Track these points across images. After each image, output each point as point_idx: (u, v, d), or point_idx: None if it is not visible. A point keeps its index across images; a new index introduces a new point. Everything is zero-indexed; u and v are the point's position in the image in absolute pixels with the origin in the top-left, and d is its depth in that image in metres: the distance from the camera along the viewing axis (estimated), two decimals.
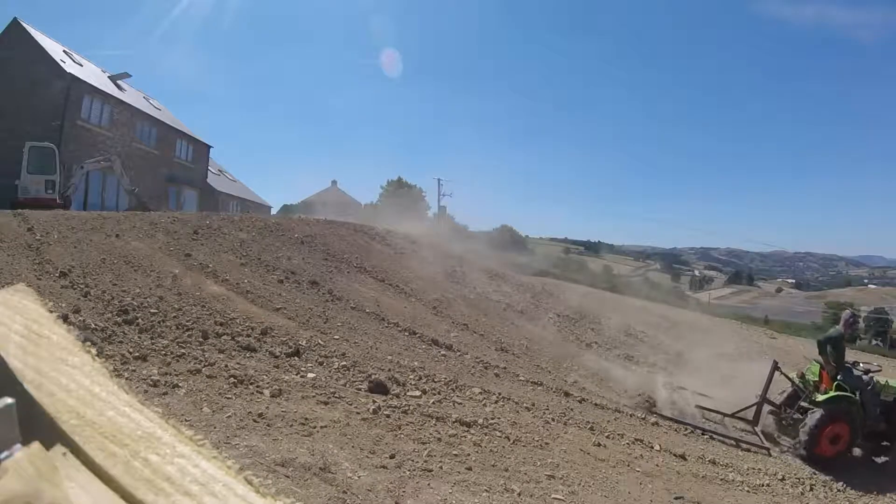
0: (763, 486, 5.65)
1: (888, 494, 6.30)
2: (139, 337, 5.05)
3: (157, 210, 15.02)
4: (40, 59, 19.42)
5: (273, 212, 35.46)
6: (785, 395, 7.67)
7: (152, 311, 5.69)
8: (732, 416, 7.74)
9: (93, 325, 4.88)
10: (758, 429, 7.46)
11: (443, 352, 7.32)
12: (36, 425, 0.45)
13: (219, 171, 33.42)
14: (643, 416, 7.02)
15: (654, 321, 16.59)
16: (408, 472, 3.71)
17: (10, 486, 0.36)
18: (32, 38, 19.90)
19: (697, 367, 10.56)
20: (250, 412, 4.04)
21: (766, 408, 7.56)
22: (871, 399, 6.73)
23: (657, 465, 5.30)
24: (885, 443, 6.94)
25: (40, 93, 18.61)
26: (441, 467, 3.92)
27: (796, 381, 7.50)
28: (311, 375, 5.21)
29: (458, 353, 7.43)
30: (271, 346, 5.65)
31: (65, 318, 4.26)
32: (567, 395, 7.03)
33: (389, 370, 5.82)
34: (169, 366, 4.60)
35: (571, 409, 6.40)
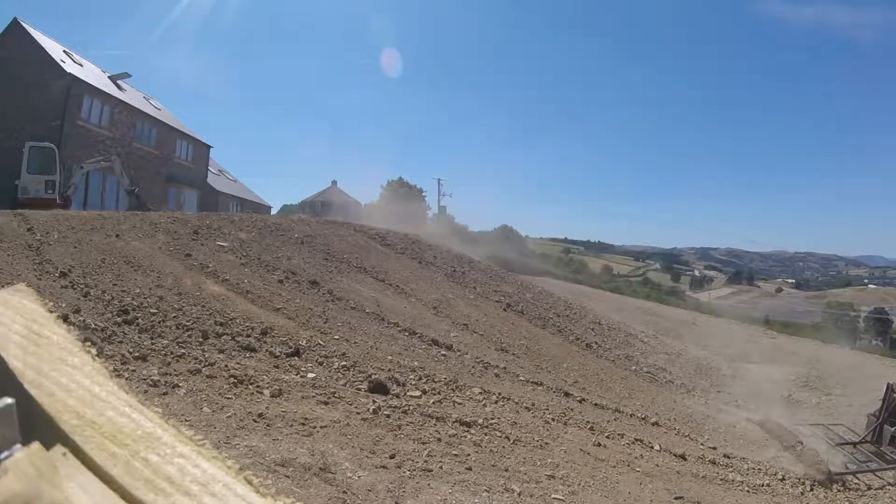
0: (763, 486, 5.65)
1: (888, 494, 6.30)
2: (139, 337, 5.05)
3: (157, 210, 15.03)
4: (40, 59, 19.42)
5: (273, 212, 35.46)
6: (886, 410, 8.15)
7: (152, 311, 5.69)
8: (861, 442, 8.14)
9: (93, 325, 4.88)
10: (884, 448, 7.87)
11: (443, 352, 7.32)
12: (36, 425, 0.45)
13: (219, 171, 33.40)
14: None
15: (654, 321, 16.59)
16: (408, 472, 3.71)
17: (10, 486, 0.36)
18: (32, 38, 19.90)
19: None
20: (250, 412, 4.04)
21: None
22: None
23: (657, 465, 5.30)
24: None
25: (40, 93, 18.61)
26: (441, 467, 3.91)
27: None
28: (311, 375, 5.20)
29: (458, 353, 7.43)
30: (271, 346, 5.65)
31: (65, 318, 4.26)
32: (567, 395, 7.03)
33: (389, 370, 5.82)
34: (169, 366, 4.60)
35: (571, 409, 6.40)
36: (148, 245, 8.04)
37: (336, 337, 6.56)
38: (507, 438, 4.86)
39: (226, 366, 4.89)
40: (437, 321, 8.98)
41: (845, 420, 9.26)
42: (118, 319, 5.27)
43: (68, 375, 0.50)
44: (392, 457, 3.88)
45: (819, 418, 9.40)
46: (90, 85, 20.57)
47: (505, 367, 7.43)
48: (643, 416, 7.12)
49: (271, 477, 3.11)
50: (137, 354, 4.65)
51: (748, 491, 5.42)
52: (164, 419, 0.49)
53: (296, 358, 5.58)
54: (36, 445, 0.41)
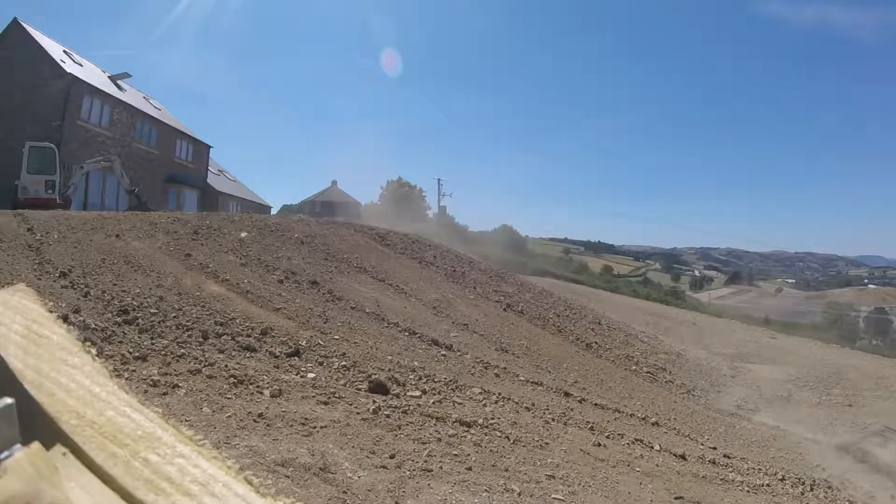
0: (763, 486, 5.65)
1: (888, 494, 6.30)
2: (139, 337, 5.05)
3: (157, 210, 15.04)
4: (40, 59, 19.43)
5: (273, 212, 35.48)
6: None
7: (152, 311, 5.69)
8: None
9: (93, 325, 4.88)
10: None
11: (443, 352, 7.32)
12: (36, 425, 0.45)
13: (219, 171, 33.42)
14: (648, 420, 7.00)
15: (654, 321, 16.59)
16: (408, 472, 3.71)
17: (10, 486, 0.36)
18: (32, 38, 19.91)
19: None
20: (250, 412, 4.04)
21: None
22: None
23: (657, 465, 5.30)
24: None
25: (40, 93, 18.63)
26: (441, 467, 3.91)
27: None
28: (311, 375, 5.20)
29: (458, 353, 7.43)
30: (271, 346, 5.65)
31: (65, 318, 4.26)
32: (567, 395, 7.03)
33: (389, 370, 5.82)
34: (169, 366, 4.60)
35: (571, 409, 6.40)
36: (148, 245, 8.04)
37: (336, 337, 6.56)
38: (507, 438, 4.86)
39: (226, 366, 4.89)
40: (437, 321, 8.98)
41: (847, 420, 9.26)
42: (118, 319, 5.27)
43: (68, 375, 0.50)
44: (392, 457, 3.88)
45: (820, 418, 9.40)
46: (90, 85, 20.59)
47: (505, 367, 7.42)
48: (643, 416, 7.12)
49: (271, 477, 3.11)
50: (137, 354, 4.65)
51: (748, 491, 5.42)
52: (164, 419, 0.49)
53: (296, 358, 5.58)
54: (36, 445, 0.41)
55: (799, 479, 6.11)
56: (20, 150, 15.06)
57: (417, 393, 5.44)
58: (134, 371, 4.30)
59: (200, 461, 0.45)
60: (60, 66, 19.55)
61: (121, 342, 4.81)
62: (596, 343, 11.21)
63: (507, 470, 4.18)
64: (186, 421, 3.58)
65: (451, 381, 6.06)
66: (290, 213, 33.16)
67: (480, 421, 5.03)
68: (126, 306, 5.57)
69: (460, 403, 5.52)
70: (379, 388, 5.22)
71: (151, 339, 5.10)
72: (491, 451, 4.52)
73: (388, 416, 4.64)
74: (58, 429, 0.45)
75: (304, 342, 5.96)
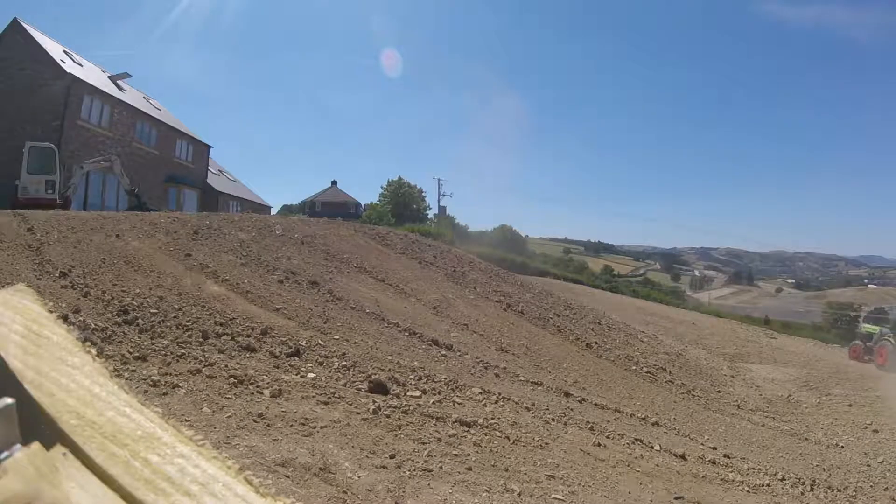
0: (763, 486, 5.65)
1: (888, 494, 6.30)
2: (139, 337, 5.05)
3: (157, 210, 15.05)
4: (40, 59, 19.43)
5: (273, 212, 35.49)
6: None
7: (152, 311, 5.69)
8: None
9: (93, 325, 4.88)
10: None
11: (443, 352, 7.32)
12: (36, 425, 0.45)
13: (219, 171, 33.42)
14: (643, 417, 7.01)
15: (654, 321, 16.60)
16: (408, 472, 3.71)
17: (10, 486, 0.36)
18: (32, 38, 19.91)
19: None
20: (250, 412, 4.04)
21: None
22: None
23: (657, 465, 5.30)
24: None
25: (40, 93, 18.63)
26: (441, 467, 3.91)
27: None
28: (311, 375, 5.20)
29: (458, 353, 7.42)
30: (271, 346, 5.65)
31: (65, 318, 4.26)
32: (567, 395, 7.03)
33: (389, 370, 5.82)
34: (169, 366, 4.60)
35: (571, 409, 6.39)
36: (148, 245, 8.03)
37: (336, 337, 6.56)
38: (507, 438, 4.86)
39: (226, 366, 4.89)
40: (437, 321, 8.97)
41: (846, 419, 9.26)
42: (118, 319, 5.27)
43: (68, 375, 0.50)
44: (392, 457, 3.88)
45: (820, 418, 9.40)
46: (90, 85, 20.58)
47: (505, 367, 7.42)
48: (643, 416, 7.12)
49: (271, 477, 3.11)
50: (137, 354, 4.65)
51: (748, 491, 5.42)
52: (164, 419, 0.49)
53: (296, 358, 5.58)
54: (36, 445, 0.41)
55: (799, 479, 6.11)
56: (20, 150, 15.06)
57: (417, 393, 5.44)
58: (134, 371, 4.30)
59: (200, 461, 0.45)
60: (60, 67, 19.54)
61: (121, 342, 4.81)
62: (596, 343, 11.19)
63: (507, 470, 4.18)
64: (186, 421, 3.58)
65: (451, 381, 6.06)
66: (289, 213, 33.22)
67: (480, 421, 5.03)
68: (126, 306, 5.57)
69: (460, 403, 5.52)
70: (379, 388, 5.22)
71: (151, 339, 5.10)
72: (491, 451, 4.52)
73: (388, 416, 4.64)
74: (58, 429, 0.45)
75: (304, 342, 5.96)
